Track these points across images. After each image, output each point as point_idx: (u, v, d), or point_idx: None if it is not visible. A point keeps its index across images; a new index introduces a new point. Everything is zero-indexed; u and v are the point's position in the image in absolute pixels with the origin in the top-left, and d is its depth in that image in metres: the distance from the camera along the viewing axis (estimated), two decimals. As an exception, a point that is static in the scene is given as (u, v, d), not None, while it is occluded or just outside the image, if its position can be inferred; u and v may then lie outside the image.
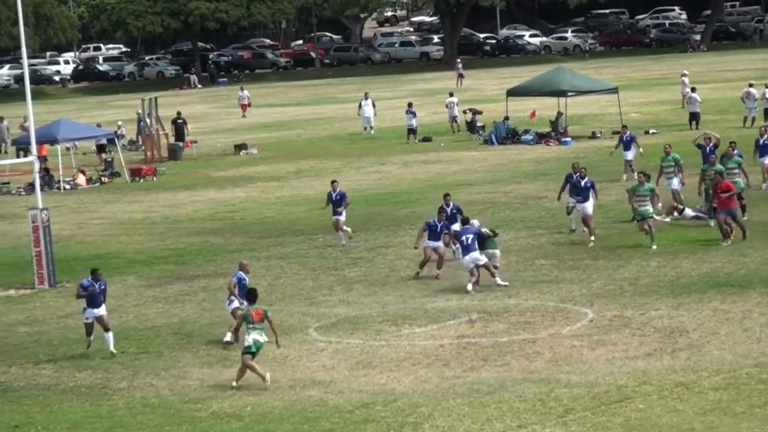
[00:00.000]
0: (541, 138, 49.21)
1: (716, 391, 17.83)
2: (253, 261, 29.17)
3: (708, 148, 32.54)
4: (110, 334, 21.91)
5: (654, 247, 27.41)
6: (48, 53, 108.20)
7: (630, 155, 37.32)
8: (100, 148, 51.52)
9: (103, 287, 22.18)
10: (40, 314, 25.54)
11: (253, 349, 19.53)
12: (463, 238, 25.15)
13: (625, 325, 21.61)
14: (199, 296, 26.17)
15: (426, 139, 52.31)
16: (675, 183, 31.10)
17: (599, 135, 49.39)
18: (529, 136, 49.45)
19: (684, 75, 58.56)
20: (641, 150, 37.80)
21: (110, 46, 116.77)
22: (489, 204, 35.14)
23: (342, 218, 30.00)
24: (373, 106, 57.00)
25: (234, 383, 19.51)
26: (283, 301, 25.21)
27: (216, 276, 28.02)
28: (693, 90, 51.25)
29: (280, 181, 43.36)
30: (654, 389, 18.09)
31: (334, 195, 30.04)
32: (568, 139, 48.42)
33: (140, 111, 53.89)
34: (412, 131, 52.72)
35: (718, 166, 29.80)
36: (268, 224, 34.36)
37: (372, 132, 56.13)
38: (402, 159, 46.97)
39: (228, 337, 21.62)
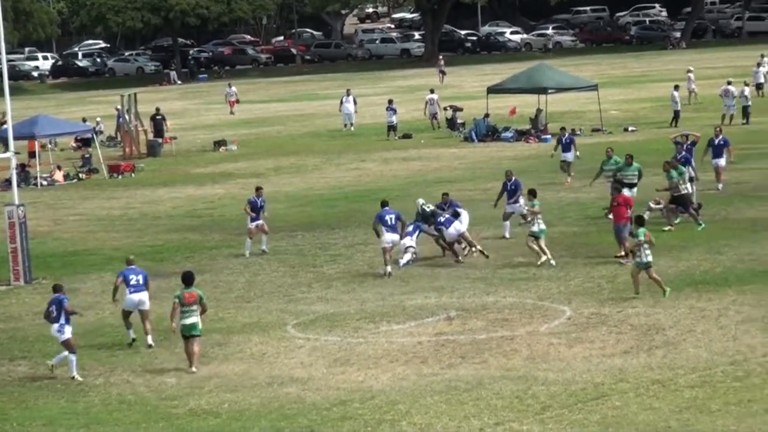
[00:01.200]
0: (521, 135, 49.27)
1: (692, 389, 17.88)
2: (231, 258, 29.17)
3: (685, 146, 32.63)
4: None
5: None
6: (26, 49, 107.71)
7: (569, 157, 37.17)
8: (85, 142, 51.25)
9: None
10: (15, 311, 25.43)
11: (186, 333, 20.25)
12: (387, 218, 26.57)
13: (603, 323, 21.65)
14: (177, 293, 26.04)
15: (406, 136, 52.32)
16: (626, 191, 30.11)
17: (579, 132, 49.44)
18: (509, 134, 49.50)
19: (689, 71, 58.36)
20: (578, 153, 37.58)
21: (89, 41, 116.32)
22: (469, 201, 35.09)
23: (262, 223, 29.34)
24: (354, 102, 57.00)
25: (193, 367, 20.10)
26: (262, 298, 25.18)
27: (195, 273, 27.87)
28: (676, 88, 51.28)
29: (259, 177, 43.24)
30: (630, 387, 18.13)
31: (259, 202, 29.47)
32: (548, 136, 48.46)
33: (119, 107, 53.74)
34: (392, 128, 52.71)
35: (677, 170, 29.53)
36: (247, 221, 34.23)
37: (352, 129, 56.12)
38: (382, 156, 46.96)
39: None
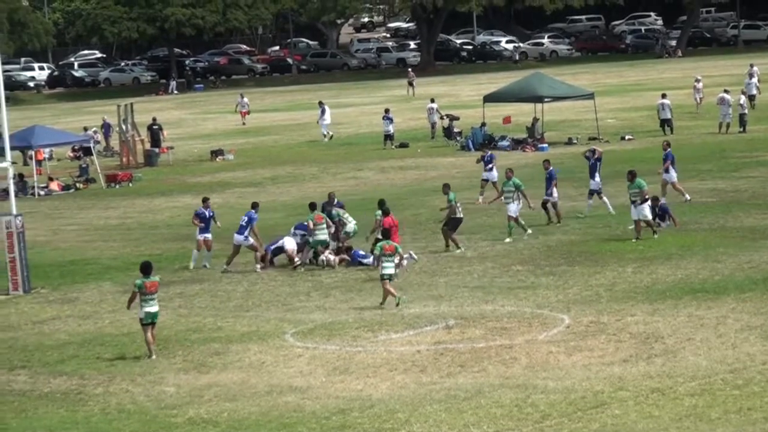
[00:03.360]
0: (517, 144, 49.32)
1: (691, 397, 17.88)
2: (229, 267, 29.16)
3: (592, 161, 32.68)
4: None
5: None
6: (22, 59, 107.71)
7: (492, 176, 36.46)
8: (86, 151, 51.32)
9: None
10: (14, 320, 25.41)
11: (147, 321, 21.31)
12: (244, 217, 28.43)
13: (602, 331, 21.66)
14: (175, 302, 26.09)
15: (403, 145, 52.37)
16: (512, 208, 30.11)
17: (575, 141, 49.53)
18: (505, 142, 49.55)
19: (697, 80, 58.36)
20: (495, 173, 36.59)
21: (85, 51, 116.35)
22: (466, 210, 35.13)
23: (210, 237, 29.32)
24: (323, 113, 56.81)
25: (153, 356, 21.35)
26: (260, 307, 25.17)
27: (192, 282, 27.95)
28: (664, 96, 51.29)
29: (256, 187, 43.29)
30: (630, 395, 18.13)
31: (207, 213, 29.35)
32: (545, 145, 48.55)
33: (105, 117, 54.19)
34: (389, 137, 52.77)
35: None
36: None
37: (326, 140, 55.75)
38: (379, 165, 46.99)
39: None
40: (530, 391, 18.54)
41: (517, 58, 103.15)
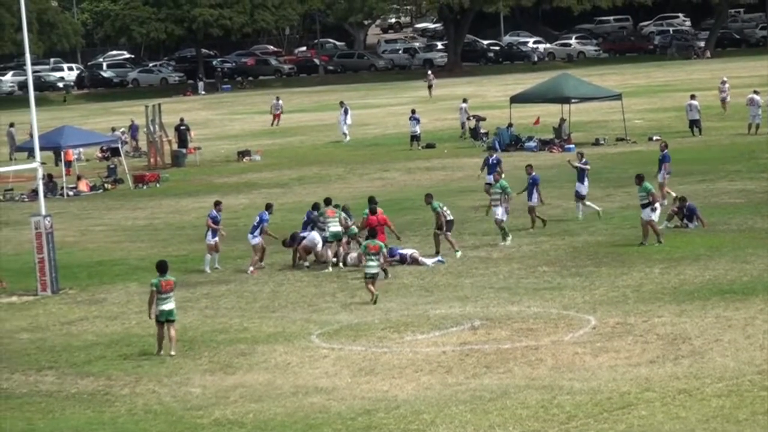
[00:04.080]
0: (544, 145, 49.20)
1: (719, 398, 17.80)
2: (255, 268, 29.22)
3: (581, 166, 32.60)
4: None
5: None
6: (52, 59, 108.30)
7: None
8: (114, 152, 51.54)
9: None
10: (42, 321, 25.53)
11: (162, 318, 21.72)
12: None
13: (628, 332, 21.58)
14: (202, 303, 26.17)
15: (429, 146, 52.33)
16: (499, 212, 29.97)
17: (603, 142, 49.38)
18: (532, 143, 49.44)
19: (723, 82, 58.03)
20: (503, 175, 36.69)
21: (114, 52, 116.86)
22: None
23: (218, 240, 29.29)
24: (346, 113, 56.97)
25: (161, 352, 21.71)
26: (286, 308, 25.21)
27: (219, 283, 28.02)
28: (693, 97, 51.09)
29: (283, 187, 43.35)
30: (657, 396, 18.06)
31: (219, 216, 29.49)
32: (572, 145, 48.38)
33: (133, 119, 54.29)
34: (415, 138, 52.75)
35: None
36: (271, 230, 34.30)
37: (346, 140, 55.92)
38: (405, 166, 46.98)
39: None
40: (556, 392, 18.50)
41: (536, 59, 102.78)
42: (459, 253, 28.80)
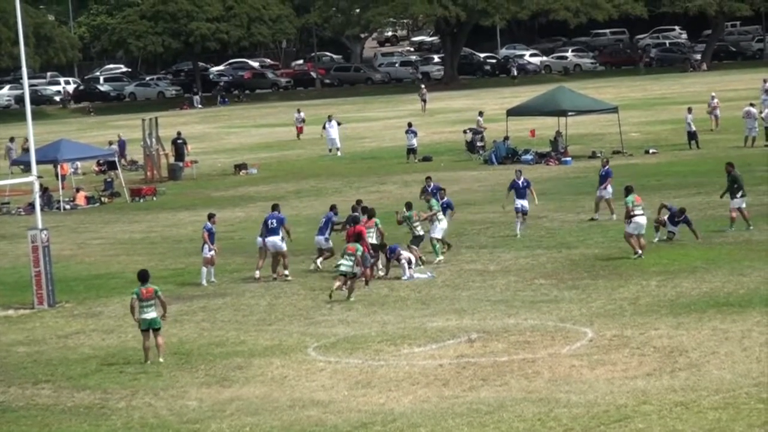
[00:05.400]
0: (541, 158, 49.26)
1: (715, 411, 17.79)
2: (252, 281, 29.22)
3: (521, 183, 32.82)
4: None
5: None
6: (48, 73, 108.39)
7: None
8: (111, 165, 51.48)
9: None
10: (39, 334, 25.51)
11: (143, 326, 22.16)
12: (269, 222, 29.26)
13: (625, 345, 21.58)
14: (198, 316, 26.16)
15: (426, 159, 52.36)
16: (437, 228, 30.03)
17: (599, 155, 49.42)
18: (529, 156, 49.49)
19: (713, 98, 57.93)
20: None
21: (110, 66, 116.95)
22: (489, 224, 35.17)
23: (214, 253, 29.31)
24: (338, 124, 57.44)
25: (148, 361, 22.06)
26: (283, 321, 25.19)
27: (215, 296, 28.01)
28: (689, 110, 51.11)
29: (280, 200, 43.18)
30: (653, 409, 18.05)
31: (214, 229, 29.45)
32: (569, 158, 48.47)
33: (120, 134, 54.58)
34: (412, 151, 52.79)
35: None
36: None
37: (338, 154, 56.11)
38: (402, 178, 47.00)
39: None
40: (553, 404, 18.48)
41: (516, 73, 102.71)
42: (421, 267, 28.90)
